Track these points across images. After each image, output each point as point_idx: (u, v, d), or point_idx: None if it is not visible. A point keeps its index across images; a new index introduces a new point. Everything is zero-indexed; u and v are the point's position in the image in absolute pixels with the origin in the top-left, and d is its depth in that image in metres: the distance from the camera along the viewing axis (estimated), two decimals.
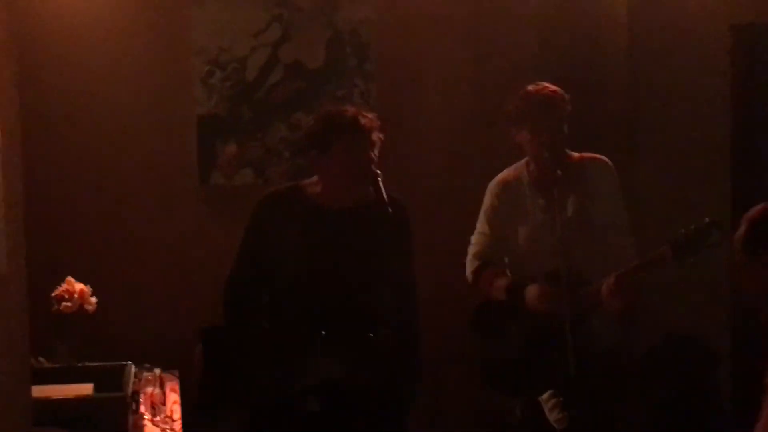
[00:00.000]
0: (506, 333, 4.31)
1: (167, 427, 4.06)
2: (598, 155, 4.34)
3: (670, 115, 5.26)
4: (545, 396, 4.32)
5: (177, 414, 4.21)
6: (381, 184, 3.77)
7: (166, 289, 5.28)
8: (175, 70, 5.35)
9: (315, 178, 3.98)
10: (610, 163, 4.32)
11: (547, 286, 4.13)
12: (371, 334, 3.85)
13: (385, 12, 5.46)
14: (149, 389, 4.31)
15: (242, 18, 5.37)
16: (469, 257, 4.46)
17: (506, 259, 4.36)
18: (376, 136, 3.85)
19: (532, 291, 4.18)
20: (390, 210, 3.73)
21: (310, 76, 5.43)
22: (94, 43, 5.23)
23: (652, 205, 5.22)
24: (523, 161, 4.37)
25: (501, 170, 4.44)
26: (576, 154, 4.31)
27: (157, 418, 4.11)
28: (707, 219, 3.93)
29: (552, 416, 4.29)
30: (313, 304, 3.85)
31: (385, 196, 3.75)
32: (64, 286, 4.69)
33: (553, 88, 4.22)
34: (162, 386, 4.41)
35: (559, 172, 4.13)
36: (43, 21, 5.13)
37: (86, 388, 3.99)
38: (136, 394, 4.08)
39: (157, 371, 4.56)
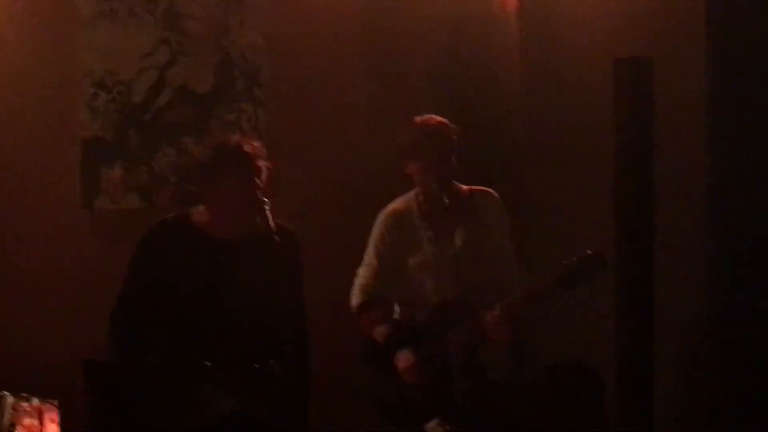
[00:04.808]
0: (393, 365, 4.31)
1: None
2: (486, 188, 4.38)
3: (558, 146, 5.35)
4: (431, 424, 4.31)
5: None
6: (268, 212, 3.74)
7: (47, 316, 5.15)
8: (60, 93, 5.25)
9: (202, 207, 3.93)
10: (497, 195, 4.37)
11: (414, 361, 4.14)
12: (257, 365, 3.81)
13: (274, 36, 5.43)
14: (27, 421, 4.21)
15: (129, 40, 5.30)
16: (355, 289, 4.43)
17: (395, 299, 4.36)
18: (262, 163, 3.84)
19: (401, 360, 4.18)
20: (277, 239, 3.70)
21: (198, 100, 5.38)
22: None
23: (540, 236, 5.27)
24: (412, 192, 4.37)
25: (390, 200, 4.45)
26: (465, 187, 4.34)
27: None
28: (589, 251, 3.98)
29: None
30: (201, 336, 3.80)
31: (272, 224, 3.72)
32: None
33: (441, 119, 4.24)
34: (40, 418, 4.31)
35: (446, 200, 4.16)
36: None
37: None
38: (12, 427, 3.97)
39: (36, 401, 4.44)
